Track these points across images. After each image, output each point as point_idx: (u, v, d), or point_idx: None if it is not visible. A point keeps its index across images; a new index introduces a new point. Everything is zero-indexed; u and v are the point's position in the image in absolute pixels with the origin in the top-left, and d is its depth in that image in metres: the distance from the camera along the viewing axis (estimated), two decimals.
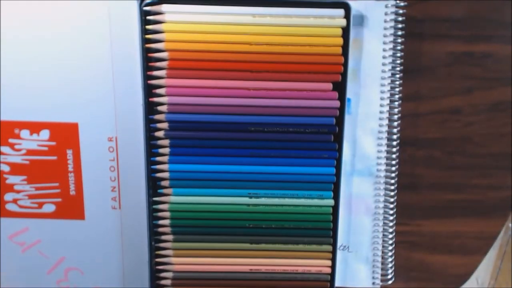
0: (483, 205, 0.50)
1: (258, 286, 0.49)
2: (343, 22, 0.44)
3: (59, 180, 0.47)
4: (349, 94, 0.46)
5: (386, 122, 0.47)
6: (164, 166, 0.46)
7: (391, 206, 0.49)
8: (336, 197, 0.47)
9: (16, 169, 0.47)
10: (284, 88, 0.45)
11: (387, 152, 0.48)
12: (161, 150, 0.46)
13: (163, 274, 0.49)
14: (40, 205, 0.48)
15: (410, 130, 0.49)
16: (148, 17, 0.43)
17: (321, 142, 0.46)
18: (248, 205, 0.47)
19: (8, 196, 0.47)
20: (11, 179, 0.47)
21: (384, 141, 0.47)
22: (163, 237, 0.48)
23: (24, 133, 0.46)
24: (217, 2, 0.43)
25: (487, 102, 0.48)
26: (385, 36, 0.45)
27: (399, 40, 0.46)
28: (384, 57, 0.46)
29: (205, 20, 0.43)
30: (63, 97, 0.45)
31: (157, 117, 0.45)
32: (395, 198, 0.49)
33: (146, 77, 0.44)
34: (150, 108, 0.45)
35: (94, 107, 0.46)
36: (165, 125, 0.45)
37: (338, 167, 0.46)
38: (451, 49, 0.47)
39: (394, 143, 0.48)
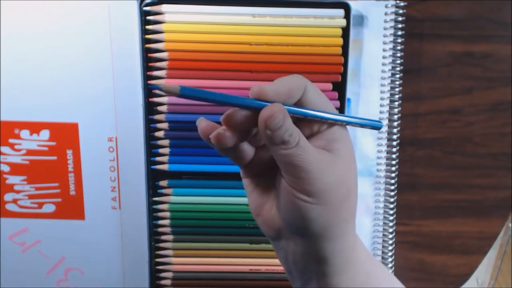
0: (483, 205, 0.50)
1: (258, 286, 0.49)
2: (343, 22, 0.44)
3: (59, 180, 0.47)
4: (349, 94, 0.46)
5: (386, 122, 0.47)
6: (164, 166, 0.46)
7: (391, 206, 0.49)
8: None
9: (16, 169, 0.47)
10: None
11: (387, 152, 0.48)
12: (161, 150, 0.46)
13: (163, 274, 0.49)
14: (40, 205, 0.48)
15: (410, 130, 0.49)
16: (148, 17, 0.43)
17: None
18: (248, 205, 0.47)
19: (8, 196, 0.47)
20: (11, 179, 0.47)
21: (384, 141, 0.47)
22: (163, 237, 0.48)
23: (24, 133, 0.46)
24: (217, 2, 0.43)
25: (487, 102, 0.48)
26: (385, 36, 0.45)
27: (399, 40, 0.46)
28: (384, 57, 0.46)
29: (205, 20, 0.43)
30: (63, 97, 0.45)
31: (157, 117, 0.45)
32: (395, 198, 0.49)
33: (146, 77, 0.44)
34: (150, 108, 0.45)
35: (94, 107, 0.46)
36: (165, 125, 0.45)
37: None
38: (451, 49, 0.47)
39: (394, 143, 0.47)
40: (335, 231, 0.29)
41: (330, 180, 0.28)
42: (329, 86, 0.45)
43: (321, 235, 0.29)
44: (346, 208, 0.29)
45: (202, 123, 0.29)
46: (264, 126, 0.27)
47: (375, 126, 0.32)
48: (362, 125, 0.31)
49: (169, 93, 0.26)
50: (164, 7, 0.43)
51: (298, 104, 0.29)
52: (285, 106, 0.28)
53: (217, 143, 0.28)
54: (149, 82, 0.44)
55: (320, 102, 0.29)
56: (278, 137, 0.27)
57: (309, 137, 0.29)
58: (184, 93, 0.27)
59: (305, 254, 0.30)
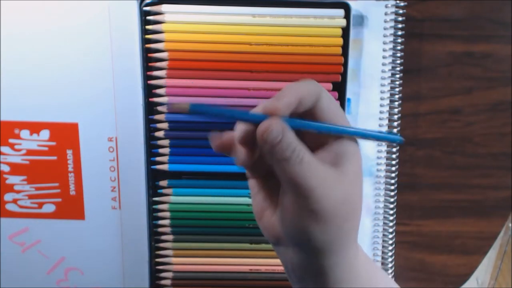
0: (483, 205, 0.50)
1: (258, 286, 0.49)
2: (343, 22, 0.44)
3: (59, 180, 0.47)
4: (349, 94, 0.46)
5: (386, 122, 0.47)
6: (164, 166, 0.46)
7: (391, 206, 0.49)
8: None
9: (16, 169, 0.47)
10: None
11: (387, 152, 0.48)
12: (161, 150, 0.46)
13: (163, 274, 0.49)
14: (40, 205, 0.48)
15: (410, 130, 0.49)
16: (148, 17, 0.43)
17: None
18: (248, 205, 0.47)
19: (8, 196, 0.47)
20: (11, 179, 0.47)
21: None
22: (163, 237, 0.48)
23: (24, 133, 0.46)
24: (217, 2, 0.43)
25: (487, 102, 0.48)
26: (385, 36, 0.45)
27: (399, 40, 0.46)
28: (384, 57, 0.46)
29: (205, 20, 0.43)
30: (63, 97, 0.45)
31: (157, 117, 0.45)
32: (395, 198, 0.49)
33: (146, 77, 0.44)
34: (150, 108, 0.45)
35: (94, 107, 0.46)
36: (165, 125, 0.45)
37: None
38: (451, 49, 0.47)
39: (394, 143, 0.47)
40: (337, 246, 0.28)
41: (335, 198, 0.27)
42: (329, 86, 0.45)
43: (323, 250, 0.28)
44: (350, 224, 0.28)
45: (216, 140, 0.29)
46: (262, 140, 0.26)
47: (393, 140, 0.30)
48: (379, 139, 0.30)
49: (178, 110, 0.26)
50: (164, 7, 0.43)
51: (311, 112, 0.28)
52: (293, 120, 0.27)
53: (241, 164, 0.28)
54: (149, 82, 0.44)
55: (333, 112, 0.28)
56: (278, 153, 0.26)
57: (316, 148, 0.28)
58: (194, 109, 0.26)
59: (304, 265, 0.29)
